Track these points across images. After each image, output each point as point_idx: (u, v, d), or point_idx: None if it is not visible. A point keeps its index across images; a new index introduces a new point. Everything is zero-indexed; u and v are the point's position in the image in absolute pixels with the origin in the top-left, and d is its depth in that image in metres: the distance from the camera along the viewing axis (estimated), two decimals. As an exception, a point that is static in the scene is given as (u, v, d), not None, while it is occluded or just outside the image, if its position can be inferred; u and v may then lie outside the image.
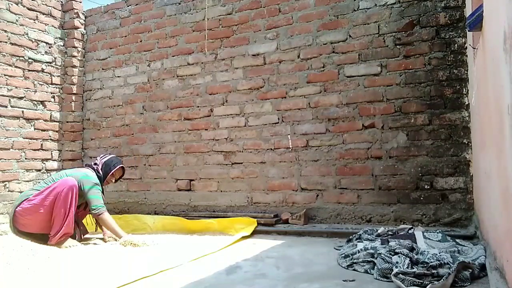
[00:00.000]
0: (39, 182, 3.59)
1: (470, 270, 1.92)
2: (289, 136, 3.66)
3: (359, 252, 2.34)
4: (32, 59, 4.28)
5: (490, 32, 1.64)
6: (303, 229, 3.30)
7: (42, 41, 4.39)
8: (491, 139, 1.80)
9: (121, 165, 3.52)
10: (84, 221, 3.47)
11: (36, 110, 4.30)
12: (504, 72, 1.27)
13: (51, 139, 4.45)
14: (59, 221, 3.01)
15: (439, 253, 2.16)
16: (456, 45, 3.13)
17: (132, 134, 4.44)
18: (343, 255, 2.40)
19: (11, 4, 4.10)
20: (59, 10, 4.62)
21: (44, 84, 4.40)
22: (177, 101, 4.20)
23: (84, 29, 4.78)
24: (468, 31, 2.39)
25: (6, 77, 4.03)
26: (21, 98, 4.15)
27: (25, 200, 3.09)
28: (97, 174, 3.35)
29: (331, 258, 2.48)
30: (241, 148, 3.86)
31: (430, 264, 1.96)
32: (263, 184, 3.75)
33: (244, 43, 3.91)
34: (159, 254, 2.76)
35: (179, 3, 4.25)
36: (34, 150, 4.26)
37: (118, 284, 2.05)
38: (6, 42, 4.04)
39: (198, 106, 4.09)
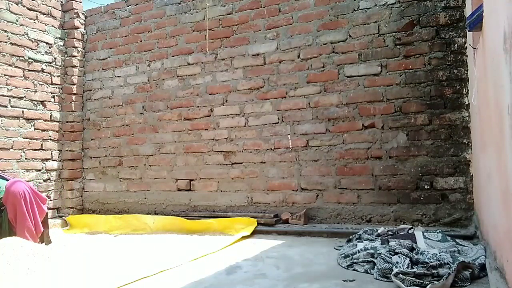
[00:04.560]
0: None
1: (470, 270, 1.92)
2: (289, 136, 3.66)
3: (359, 252, 2.34)
4: (32, 59, 4.28)
5: (490, 32, 1.64)
6: (303, 229, 3.30)
7: (42, 41, 4.39)
8: (491, 139, 1.80)
9: None
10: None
11: (36, 110, 4.30)
12: (504, 72, 1.27)
13: (51, 139, 4.44)
14: None
15: (439, 253, 2.16)
16: (456, 45, 3.13)
17: (132, 134, 4.44)
18: (343, 255, 2.40)
19: (11, 4, 4.10)
20: (59, 10, 4.61)
21: (44, 84, 4.40)
22: (177, 101, 4.20)
23: (84, 29, 4.78)
24: (468, 31, 2.39)
25: (6, 77, 4.03)
26: (21, 98, 4.15)
27: None
28: None
29: (331, 258, 2.48)
30: (241, 148, 3.86)
31: (430, 264, 1.96)
32: (263, 184, 3.74)
33: (244, 43, 3.91)
34: (160, 254, 2.76)
35: (179, 3, 4.25)
36: (34, 150, 4.26)
37: (118, 284, 2.05)
38: (6, 42, 4.04)
39: (198, 106, 4.09)
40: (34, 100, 4.28)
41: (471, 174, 3.03)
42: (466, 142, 3.06)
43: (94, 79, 4.71)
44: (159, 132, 4.28)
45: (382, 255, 2.15)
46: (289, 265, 2.38)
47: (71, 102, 4.60)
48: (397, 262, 2.03)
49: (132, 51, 4.49)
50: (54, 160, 4.45)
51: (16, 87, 4.11)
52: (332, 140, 3.49)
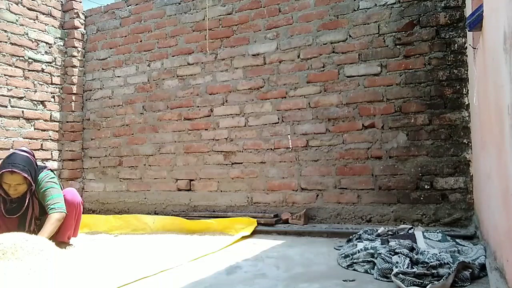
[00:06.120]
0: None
1: (470, 270, 1.92)
2: (289, 136, 3.66)
3: (359, 252, 2.33)
4: (32, 59, 4.28)
5: (490, 32, 1.64)
6: (303, 229, 3.30)
7: (42, 41, 4.39)
8: (491, 139, 1.80)
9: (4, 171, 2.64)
10: None
11: (36, 110, 4.30)
12: (504, 72, 1.27)
13: (51, 139, 4.45)
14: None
15: (439, 253, 2.16)
16: (456, 45, 3.13)
17: (132, 134, 4.44)
18: (343, 255, 2.40)
19: (11, 4, 4.10)
20: (59, 10, 4.62)
21: (44, 84, 4.40)
22: (177, 101, 4.20)
23: (84, 29, 4.78)
24: (468, 31, 2.39)
25: (6, 77, 4.03)
26: (21, 98, 4.15)
27: None
28: None
29: (331, 258, 2.48)
30: (241, 148, 3.86)
31: (430, 264, 1.96)
32: (263, 184, 3.75)
33: (244, 43, 3.91)
34: (160, 254, 2.76)
35: (179, 3, 4.26)
36: (34, 150, 4.24)
37: (118, 284, 2.05)
38: (6, 42, 4.04)
39: (198, 106, 4.09)
40: (34, 100, 4.29)
41: (471, 174, 3.03)
42: (466, 142, 3.06)
43: (94, 79, 4.72)
44: (159, 132, 4.28)
45: (382, 255, 2.15)
46: (289, 265, 2.38)
47: (71, 102, 4.60)
48: (397, 262, 2.03)
49: (132, 51, 4.49)
50: (54, 160, 4.46)
51: (16, 87, 4.11)
52: (332, 140, 3.49)
